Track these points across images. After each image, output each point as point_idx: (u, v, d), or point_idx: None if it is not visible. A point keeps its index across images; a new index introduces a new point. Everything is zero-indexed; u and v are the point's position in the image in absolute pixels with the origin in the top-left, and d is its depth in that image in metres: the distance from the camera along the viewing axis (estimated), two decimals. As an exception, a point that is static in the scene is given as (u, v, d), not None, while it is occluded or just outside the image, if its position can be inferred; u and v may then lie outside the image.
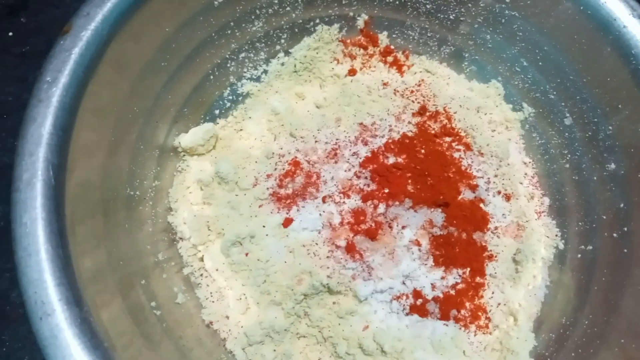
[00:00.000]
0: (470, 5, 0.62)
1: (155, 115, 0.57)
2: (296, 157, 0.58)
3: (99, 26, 0.49)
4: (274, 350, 0.52)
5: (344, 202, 0.55)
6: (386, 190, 0.55)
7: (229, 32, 0.62)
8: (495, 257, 0.57)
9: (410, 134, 0.60)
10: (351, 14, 0.65)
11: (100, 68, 0.49)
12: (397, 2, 0.64)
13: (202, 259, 0.56)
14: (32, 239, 0.41)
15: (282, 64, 0.65)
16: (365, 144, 0.59)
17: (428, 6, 0.64)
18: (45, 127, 0.45)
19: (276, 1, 0.63)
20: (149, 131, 0.57)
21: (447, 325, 0.53)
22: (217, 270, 0.55)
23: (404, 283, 0.53)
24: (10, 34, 0.77)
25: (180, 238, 0.56)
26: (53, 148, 0.44)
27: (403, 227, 0.54)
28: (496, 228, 0.58)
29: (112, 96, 0.52)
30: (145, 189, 0.56)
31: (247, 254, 0.54)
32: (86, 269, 0.44)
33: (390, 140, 0.59)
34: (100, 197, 0.50)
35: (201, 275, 0.56)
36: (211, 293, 0.55)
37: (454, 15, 0.64)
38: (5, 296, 0.65)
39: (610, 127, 0.56)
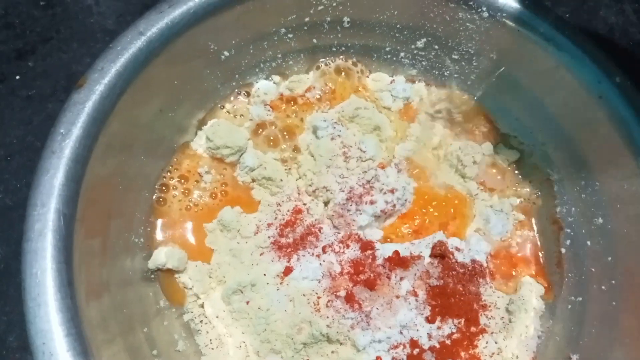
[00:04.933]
0: (464, 63, 0.65)
1: (161, 163, 0.59)
2: (297, 206, 0.60)
3: (112, 81, 0.51)
4: (273, 399, 0.53)
5: (343, 251, 0.57)
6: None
7: (234, 83, 0.65)
8: (489, 307, 0.59)
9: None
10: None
11: (112, 121, 0.51)
12: (394, 59, 0.68)
13: (202, 306, 0.57)
14: (41, 289, 0.42)
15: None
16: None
17: (424, 63, 0.68)
18: (57, 178, 0.46)
19: (280, 56, 0.66)
20: (152, 178, 0.59)
21: (443, 375, 0.54)
22: (217, 317, 0.56)
23: (401, 333, 0.55)
24: (18, 77, 0.79)
25: (184, 288, 0.57)
26: (64, 199, 0.46)
27: (401, 279, 0.56)
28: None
29: (120, 145, 0.53)
30: (147, 236, 0.57)
31: (247, 302, 0.55)
32: (92, 317, 0.45)
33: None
34: (105, 245, 0.51)
35: (201, 321, 0.56)
36: (211, 340, 0.55)
37: (448, 72, 0.67)
38: (1, 339, 0.64)
39: (597, 183, 0.58)
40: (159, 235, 0.58)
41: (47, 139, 0.48)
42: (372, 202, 0.57)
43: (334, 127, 0.61)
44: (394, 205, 0.58)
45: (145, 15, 0.54)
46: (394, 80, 0.68)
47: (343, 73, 0.67)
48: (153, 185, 0.59)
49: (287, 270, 0.56)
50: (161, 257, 0.55)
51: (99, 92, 0.50)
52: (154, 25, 0.54)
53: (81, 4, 0.85)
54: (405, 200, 0.59)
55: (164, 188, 0.60)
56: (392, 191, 0.58)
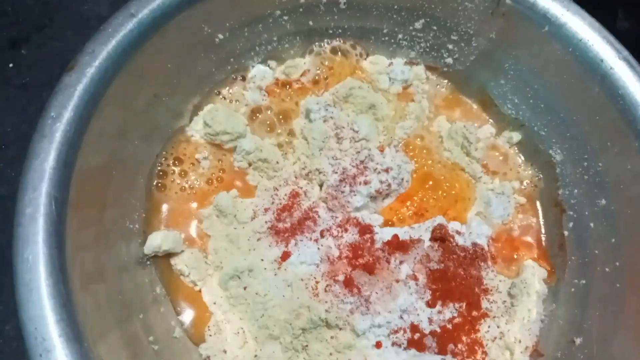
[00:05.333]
0: (463, 44, 0.64)
1: (156, 149, 0.58)
2: (294, 190, 0.59)
3: (104, 63, 0.50)
4: (272, 385, 0.52)
5: (341, 235, 0.56)
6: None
7: (229, 67, 0.64)
8: (491, 291, 0.58)
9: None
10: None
11: (103, 104, 0.50)
12: (392, 41, 0.67)
13: (199, 292, 0.56)
14: (33, 275, 0.41)
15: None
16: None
17: (422, 44, 0.66)
18: (48, 162, 0.45)
19: (275, 39, 0.65)
20: (148, 163, 0.58)
21: (444, 359, 0.53)
22: (214, 303, 0.55)
23: (401, 317, 0.54)
24: (11, 65, 0.78)
25: (180, 275, 0.56)
26: (56, 183, 0.45)
27: (401, 262, 0.55)
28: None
29: (114, 130, 0.52)
30: (143, 222, 0.57)
31: (245, 288, 0.54)
32: (86, 303, 0.44)
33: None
34: (100, 231, 0.50)
35: (199, 308, 0.56)
36: (209, 327, 0.55)
37: (447, 54, 0.66)
38: (-2, 329, 0.64)
39: (600, 164, 0.57)
40: (154, 221, 0.57)
41: (37, 123, 0.47)
42: (366, 183, 0.56)
43: (327, 110, 0.60)
44: (389, 185, 0.57)
45: (136, -3, 0.53)
46: (392, 63, 0.67)
47: (340, 53, 0.66)
48: (148, 170, 0.58)
49: (285, 255, 0.55)
50: (156, 240, 0.54)
51: (90, 75, 0.49)
52: (145, 7, 0.52)
53: (74, -9, 0.84)
54: (402, 179, 0.58)
55: (160, 173, 0.59)
56: (386, 170, 0.57)
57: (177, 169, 0.59)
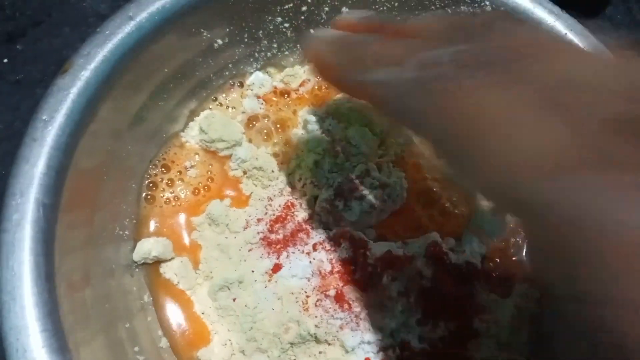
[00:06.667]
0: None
1: (150, 154, 0.57)
2: (289, 201, 0.58)
3: (99, 66, 0.49)
4: (258, 399, 0.51)
5: (334, 250, 0.55)
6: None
7: (227, 73, 0.63)
8: (483, 310, 0.57)
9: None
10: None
11: (97, 108, 0.49)
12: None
13: (189, 302, 0.55)
14: (17, 283, 0.40)
15: (278, 107, 0.66)
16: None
17: (423, 57, 0.66)
18: (38, 167, 0.44)
19: (275, 45, 0.64)
20: (141, 169, 0.57)
21: (433, 378, 0.53)
22: (203, 313, 0.55)
23: (391, 335, 0.53)
24: (6, 60, 0.77)
25: (169, 283, 0.55)
26: (45, 189, 0.44)
27: (393, 279, 0.54)
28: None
29: (107, 135, 0.52)
30: (133, 228, 0.56)
31: (234, 299, 0.53)
32: (71, 312, 0.43)
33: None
34: (88, 238, 0.49)
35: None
36: (197, 338, 0.54)
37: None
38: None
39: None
40: (145, 227, 0.56)
41: (28, 126, 0.46)
42: (361, 198, 0.55)
43: (324, 121, 0.59)
44: (385, 200, 0.56)
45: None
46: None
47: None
48: (140, 176, 0.57)
49: (276, 268, 0.54)
50: (145, 247, 0.53)
51: (85, 79, 0.48)
52: (144, 10, 0.52)
53: (74, -13, 0.83)
54: (397, 195, 0.57)
55: (152, 181, 0.58)
56: (382, 186, 0.56)
57: (168, 177, 0.58)
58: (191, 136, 0.60)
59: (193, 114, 0.62)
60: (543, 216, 0.27)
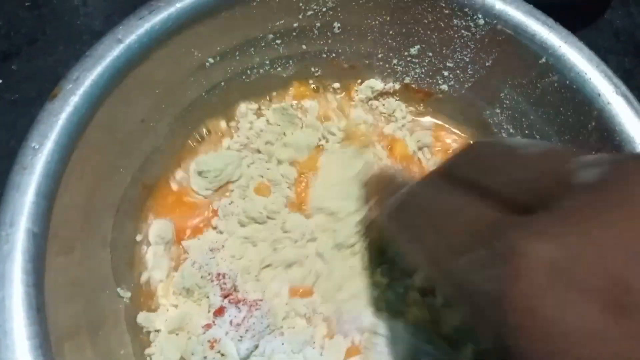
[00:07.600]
0: (458, 72, 0.63)
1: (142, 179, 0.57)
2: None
3: (88, 91, 0.49)
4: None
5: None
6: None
7: (218, 91, 0.63)
8: None
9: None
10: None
11: (87, 132, 0.49)
12: (387, 66, 0.65)
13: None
14: (7, 316, 0.40)
15: (272, 123, 0.66)
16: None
17: (417, 70, 0.65)
18: (28, 195, 0.44)
19: (267, 62, 0.63)
20: (134, 192, 0.57)
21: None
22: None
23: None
24: (1, 81, 0.77)
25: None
26: (35, 217, 0.44)
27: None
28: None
29: (98, 160, 0.51)
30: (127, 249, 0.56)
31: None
32: (64, 344, 0.43)
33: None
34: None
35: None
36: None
37: (442, 80, 0.65)
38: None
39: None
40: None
41: (17, 154, 0.46)
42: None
43: None
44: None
45: (124, 22, 0.52)
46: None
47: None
48: (133, 206, 0.57)
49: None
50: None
51: (74, 104, 0.48)
52: (133, 32, 0.51)
53: (68, 4, 0.83)
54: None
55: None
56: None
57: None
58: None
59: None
60: None
